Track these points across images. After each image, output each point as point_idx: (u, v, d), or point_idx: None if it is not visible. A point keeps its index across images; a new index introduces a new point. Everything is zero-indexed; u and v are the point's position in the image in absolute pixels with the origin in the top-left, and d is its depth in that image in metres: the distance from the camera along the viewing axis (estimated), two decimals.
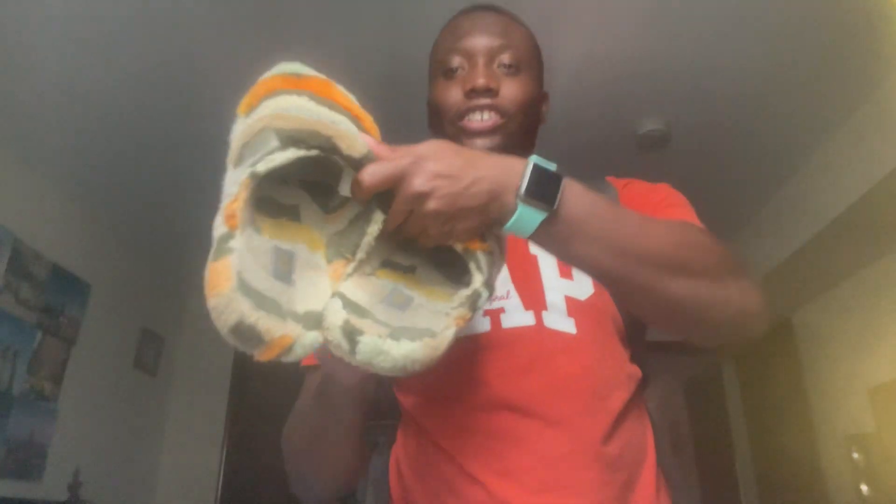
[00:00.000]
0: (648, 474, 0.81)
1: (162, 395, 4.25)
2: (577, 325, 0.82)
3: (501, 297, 0.84)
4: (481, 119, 0.89)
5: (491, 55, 0.91)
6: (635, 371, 0.91)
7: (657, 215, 0.84)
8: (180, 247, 3.86)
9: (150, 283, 4.11)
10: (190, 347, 4.48)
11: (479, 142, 0.88)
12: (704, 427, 5.64)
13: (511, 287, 0.85)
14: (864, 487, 3.13)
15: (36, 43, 2.19)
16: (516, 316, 0.83)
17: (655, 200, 0.93)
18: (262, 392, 4.29)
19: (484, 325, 0.83)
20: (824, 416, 3.60)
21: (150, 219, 3.49)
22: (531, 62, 0.94)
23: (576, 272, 0.86)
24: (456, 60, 0.93)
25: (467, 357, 0.81)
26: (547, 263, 0.87)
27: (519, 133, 0.91)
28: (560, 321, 0.82)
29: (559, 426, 0.77)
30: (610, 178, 1.01)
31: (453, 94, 0.91)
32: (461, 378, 0.81)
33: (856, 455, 3.22)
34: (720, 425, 4.91)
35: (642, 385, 0.93)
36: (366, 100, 0.69)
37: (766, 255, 3.35)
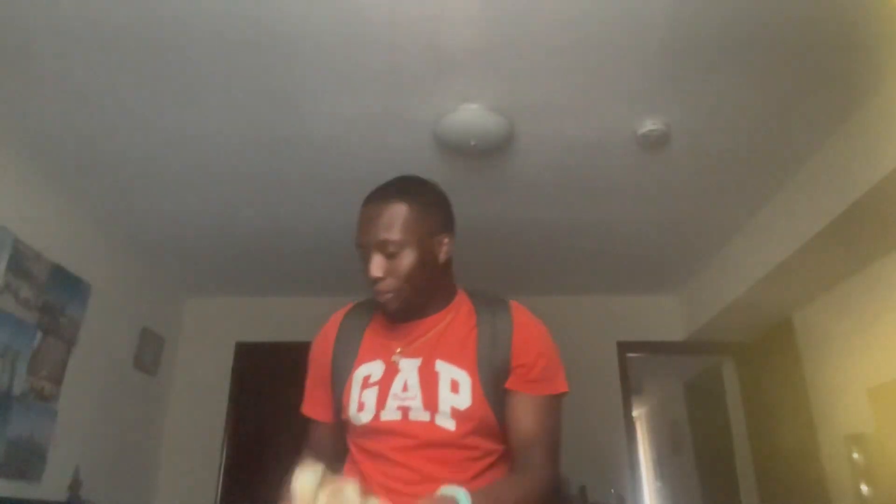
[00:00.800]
0: None
1: (162, 395, 4.25)
2: (456, 425, 1.21)
3: (411, 398, 1.23)
4: (382, 293, 1.27)
5: (378, 247, 1.25)
6: (497, 450, 1.26)
7: (533, 389, 1.26)
8: (180, 247, 3.86)
9: (150, 283, 4.11)
10: (190, 347, 4.49)
11: (387, 306, 1.28)
12: (704, 427, 5.65)
13: (418, 393, 1.23)
14: (864, 487, 3.13)
15: (36, 31, 2.19)
16: (418, 413, 1.22)
17: (535, 373, 1.27)
18: (262, 392, 4.29)
19: (397, 415, 1.23)
20: (824, 416, 3.60)
21: (150, 219, 3.49)
22: (413, 237, 1.25)
23: (462, 390, 1.22)
24: (361, 251, 1.28)
25: (383, 435, 1.24)
26: (444, 382, 1.23)
27: (413, 290, 1.27)
28: (445, 421, 1.21)
29: (433, 482, 1.13)
30: (513, 306, 1.34)
31: (365, 272, 1.27)
32: (378, 447, 1.24)
33: (856, 455, 3.22)
34: (720, 425, 4.91)
35: (502, 460, 1.27)
36: None
37: (766, 255, 3.35)
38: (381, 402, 1.23)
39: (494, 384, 1.24)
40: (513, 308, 1.32)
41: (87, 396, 3.35)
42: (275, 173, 3.05)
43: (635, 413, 5.79)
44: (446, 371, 1.24)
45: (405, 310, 1.28)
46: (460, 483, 1.09)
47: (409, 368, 1.25)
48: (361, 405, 1.25)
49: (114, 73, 2.34)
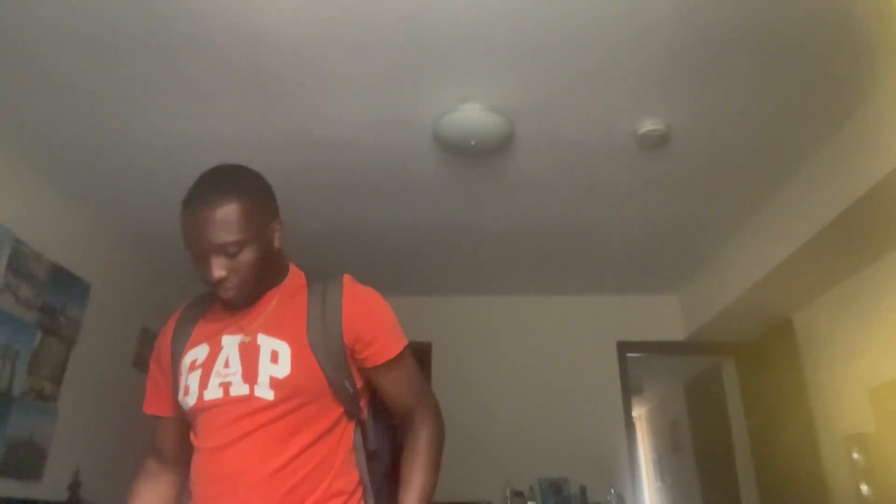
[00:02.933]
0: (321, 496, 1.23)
1: None
2: (275, 394, 1.23)
3: (233, 374, 1.25)
4: (225, 290, 1.27)
5: (218, 251, 1.24)
6: (332, 414, 1.28)
7: (381, 357, 1.31)
8: (180, 247, 3.85)
9: (150, 283, 4.11)
10: None
11: (232, 301, 1.30)
12: (704, 427, 5.65)
13: (239, 368, 1.25)
14: (864, 487, 3.13)
15: (36, 32, 2.19)
16: (238, 388, 1.24)
17: (376, 342, 1.31)
18: None
19: (219, 392, 1.25)
20: (824, 416, 3.60)
21: (150, 219, 3.49)
22: (251, 233, 1.26)
23: (281, 360, 1.25)
24: (195, 255, 1.27)
25: (205, 416, 1.26)
26: (264, 354, 1.26)
27: (255, 281, 1.29)
28: (263, 391, 1.23)
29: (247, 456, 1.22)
30: (345, 278, 1.37)
31: (205, 276, 1.26)
32: (203, 426, 1.27)
33: (856, 455, 3.22)
34: (720, 425, 4.92)
35: (341, 423, 1.31)
36: None
37: (766, 255, 3.35)
38: (203, 383, 1.26)
39: (327, 349, 1.27)
40: (345, 280, 1.36)
41: (87, 396, 3.35)
42: (274, 174, 3.03)
43: (635, 413, 5.79)
44: (267, 343, 1.26)
45: (248, 299, 1.31)
46: (282, 463, 1.20)
47: (230, 345, 1.29)
48: (187, 389, 1.28)
49: (114, 73, 2.34)
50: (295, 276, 1.40)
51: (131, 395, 3.63)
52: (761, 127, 2.68)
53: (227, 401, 1.23)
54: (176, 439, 1.38)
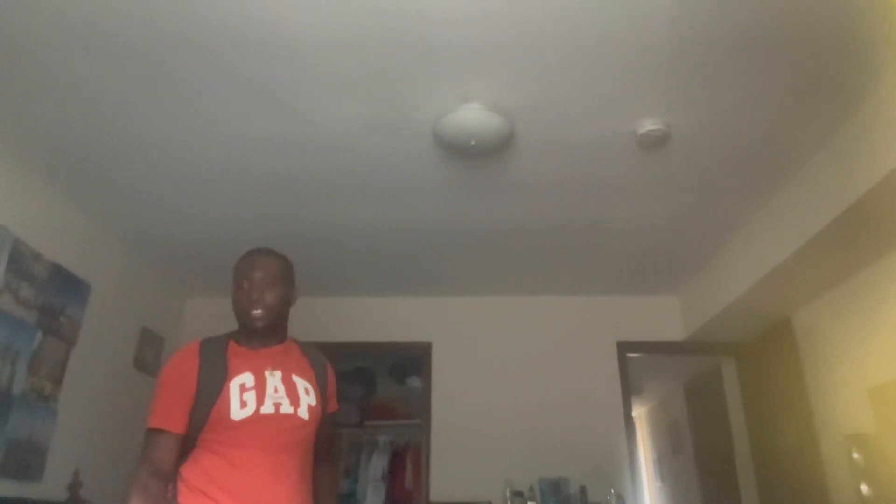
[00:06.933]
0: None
1: None
2: (309, 416, 1.82)
3: (281, 398, 1.77)
4: (256, 315, 1.84)
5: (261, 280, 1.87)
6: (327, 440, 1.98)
7: (331, 407, 2.00)
8: (180, 247, 3.86)
9: (150, 283, 4.11)
10: None
11: (259, 323, 1.85)
12: (704, 427, 5.65)
13: (285, 394, 1.79)
14: (863, 487, 3.13)
15: (36, 32, 2.19)
16: (286, 407, 1.78)
17: (332, 399, 2.01)
18: None
19: (272, 409, 1.75)
20: (824, 416, 3.60)
21: (151, 219, 3.49)
22: (282, 280, 1.90)
23: (311, 394, 1.86)
24: (245, 283, 1.87)
25: (260, 424, 1.73)
26: (301, 388, 1.84)
27: (277, 317, 1.89)
28: (303, 413, 1.81)
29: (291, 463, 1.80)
30: (325, 360, 2.03)
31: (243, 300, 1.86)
32: (254, 433, 1.73)
33: (856, 455, 3.22)
34: (720, 425, 4.92)
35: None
36: None
37: (766, 255, 3.35)
38: (259, 400, 1.74)
39: (323, 393, 1.92)
40: (324, 356, 2.03)
41: (87, 396, 3.35)
42: (275, 174, 3.05)
43: (635, 413, 5.79)
44: (300, 382, 1.85)
45: (268, 327, 1.88)
46: (300, 464, 1.79)
47: (273, 378, 1.80)
48: (244, 403, 1.72)
49: (114, 73, 2.34)
50: (291, 343, 1.97)
51: (132, 397, 3.62)
52: (761, 127, 2.68)
53: (279, 415, 1.75)
54: (176, 455, 1.71)
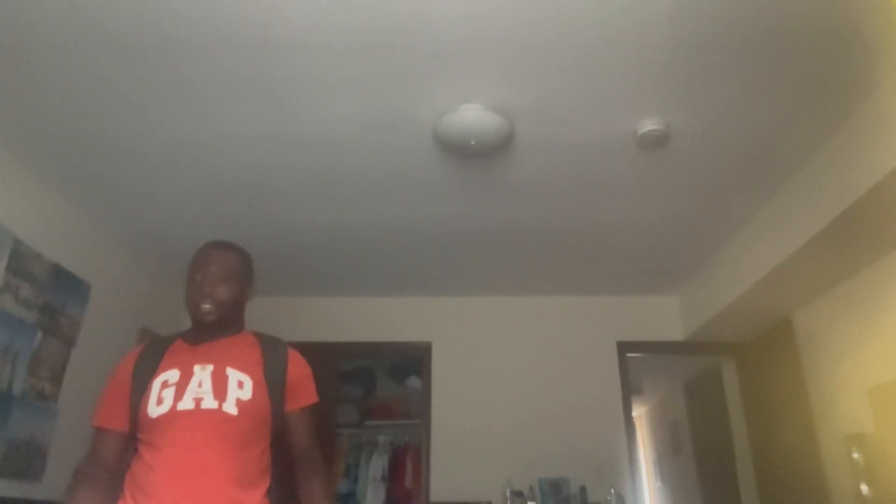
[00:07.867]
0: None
1: None
2: (239, 411, 1.67)
3: (204, 392, 1.67)
4: (205, 309, 1.77)
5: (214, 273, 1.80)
6: (269, 437, 1.75)
7: (299, 402, 1.83)
8: (180, 247, 3.86)
9: (150, 283, 4.11)
10: None
11: (207, 318, 1.78)
12: (704, 427, 5.65)
13: (210, 388, 1.68)
14: (863, 487, 3.13)
15: (36, 32, 2.19)
16: (209, 402, 1.66)
17: (302, 391, 1.84)
18: None
19: (191, 404, 1.65)
20: (824, 416, 3.60)
21: (151, 219, 3.49)
22: (237, 276, 1.84)
23: (245, 387, 1.71)
24: (198, 276, 1.81)
25: (178, 421, 1.64)
26: (232, 381, 1.71)
27: (228, 312, 1.82)
28: (230, 408, 1.67)
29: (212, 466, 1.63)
30: (290, 351, 1.87)
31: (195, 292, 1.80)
32: (173, 429, 1.63)
33: (856, 455, 3.22)
34: (720, 425, 4.91)
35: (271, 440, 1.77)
36: None
37: (765, 255, 3.35)
38: (178, 397, 1.65)
39: (276, 386, 1.77)
40: (287, 347, 1.89)
41: (87, 396, 3.34)
42: (275, 174, 3.05)
43: (635, 413, 5.79)
44: (235, 375, 1.72)
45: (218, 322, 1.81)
46: (240, 463, 1.63)
47: (203, 372, 1.71)
48: (160, 400, 1.65)
49: (114, 73, 2.34)
50: (247, 334, 1.88)
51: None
52: (761, 127, 2.68)
53: (199, 411, 1.64)
54: (120, 452, 1.71)
